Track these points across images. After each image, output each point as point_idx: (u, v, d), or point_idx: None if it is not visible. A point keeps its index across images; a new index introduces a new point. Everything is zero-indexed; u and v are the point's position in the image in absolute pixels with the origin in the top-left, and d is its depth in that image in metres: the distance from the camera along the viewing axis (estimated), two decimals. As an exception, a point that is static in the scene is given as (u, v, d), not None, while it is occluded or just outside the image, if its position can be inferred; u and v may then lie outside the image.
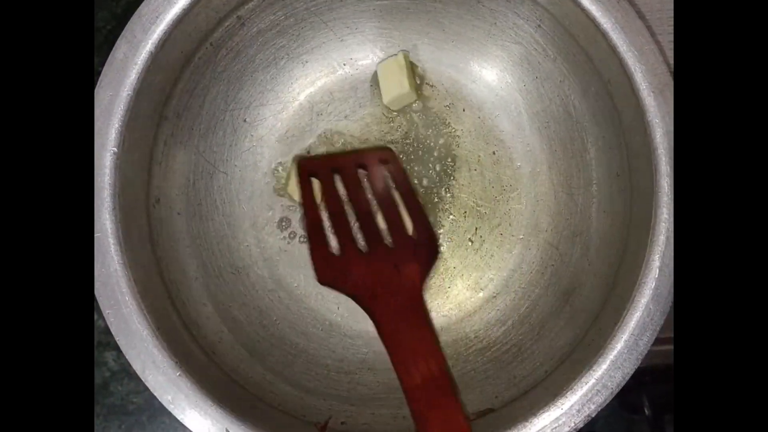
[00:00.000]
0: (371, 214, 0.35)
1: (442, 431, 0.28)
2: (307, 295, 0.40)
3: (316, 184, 0.37)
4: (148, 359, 0.31)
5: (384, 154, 0.38)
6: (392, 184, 0.37)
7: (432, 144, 0.41)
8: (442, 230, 0.40)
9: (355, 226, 0.35)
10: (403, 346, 0.29)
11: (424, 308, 0.31)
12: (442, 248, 0.40)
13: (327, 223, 0.35)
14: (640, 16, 0.33)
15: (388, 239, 0.34)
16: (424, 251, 0.34)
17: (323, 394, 0.37)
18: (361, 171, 0.37)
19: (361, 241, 0.34)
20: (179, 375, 0.31)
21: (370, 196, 0.36)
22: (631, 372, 0.31)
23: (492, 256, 0.40)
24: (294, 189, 0.39)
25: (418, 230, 0.35)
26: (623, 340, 0.31)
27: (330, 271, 0.33)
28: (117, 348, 0.42)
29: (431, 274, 0.33)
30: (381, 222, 0.35)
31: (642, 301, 0.31)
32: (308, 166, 0.38)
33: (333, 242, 0.34)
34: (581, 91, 0.37)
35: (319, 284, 0.35)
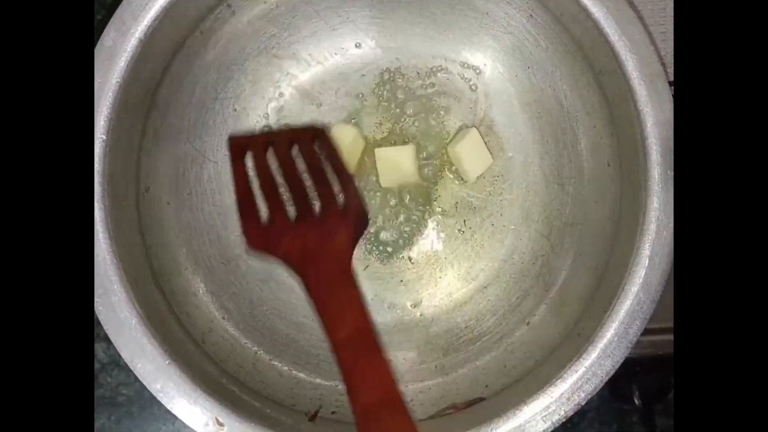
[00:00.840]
0: (302, 184, 0.36)
1: (369, 384, 0.29)
2: (297, 285, 0.40)
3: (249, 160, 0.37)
4: (137, 348, 0.31)
5: (316, 132, 0.39)
6: (323, 157, 0.37)
7: (423, 134, 0.41)
8: (433, 221, 0.40)
9: (285, 195, 0.35)
10: (332, 307, 0.31)
11: (352, 274, 0.32)
12: (439, 244, 0.40)
13: (258, 193, 0.35)
14: (632, 6, 0.33)
15: (317, 208, 0.35)
16: (353, 219, 0.35)
17: (313, 384, 0.37)
18: (294, 148, 0.38)
19: (291, 211, 0.35)
20: (168, 363, 0.31)
21: (301, 167, 0.37)
22: (621, 360, 0.31)
23: (483, 246, 0.40)
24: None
25: (348, 199, 0.35)
26: (613, 328, 0.31)
27: (261, 237, 0.34)
28: (106, 339, 0.42)
29: (360, 242, 0.35)
30: (311, 191, 0.36)
31: (632, 289, 0.31)
32: (241, 142, 0.38)
33: (263, 211, 0.35)
34: (573, 80, 0.37)
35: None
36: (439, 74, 0.41)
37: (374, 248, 0.40)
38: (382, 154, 0.39)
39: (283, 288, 0.40)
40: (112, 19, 0.32)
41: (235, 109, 0.40)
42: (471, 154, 0.39)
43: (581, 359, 0.31)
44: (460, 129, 0.40)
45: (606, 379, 0.31)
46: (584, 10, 0.33)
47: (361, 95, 0.41)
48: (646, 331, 0.32)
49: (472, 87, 0.40)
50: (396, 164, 0.39)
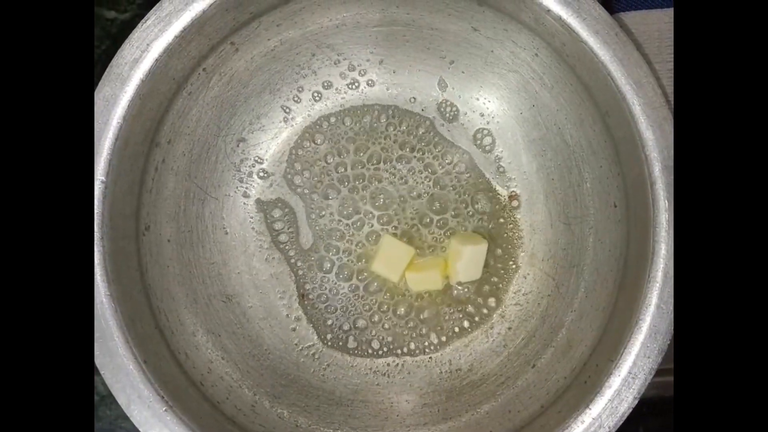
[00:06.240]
0: None
1: None
2: (298, 324, 0.39)
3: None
4: (133, 393, 0.31)
5: None
6: None
7: (426, 173, 0.40)
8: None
9: None
10: None
11: None
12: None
13: None
14: (638, 45, 0.33)
15: None
16: None
17: (314, 428, 0.36)
18: None
19: None
20: (165, 410, 0.31)
21: None
22: (629, 411, 0.31)
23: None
24: (380, 267, 0.39)
25: None
26: (620, 377, 0.30)
27: None
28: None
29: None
30: None
31: (639, 338, 0.30)
32: None
33: None
34: (578, 120, 0.36)
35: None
36: (442, 111, 0.40)
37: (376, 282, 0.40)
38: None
39: (283, 326, 0.39)
40: (114, 59, 0.32)
41: (238, 145, 0.39)
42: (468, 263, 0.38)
43: (588, 410, 0.30)
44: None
45: (613, 430, 0.30)
46: (590, 51, 0.32)
47: (364, 132, 0.40)
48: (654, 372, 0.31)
49: (476, 124, 0.40)
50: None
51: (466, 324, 0.39)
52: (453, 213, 0.40)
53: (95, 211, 0.31)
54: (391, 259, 0.39)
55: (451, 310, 0.39)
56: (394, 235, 0.40)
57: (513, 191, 0.40)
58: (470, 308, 0.39)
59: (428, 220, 0.40)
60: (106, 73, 0.32)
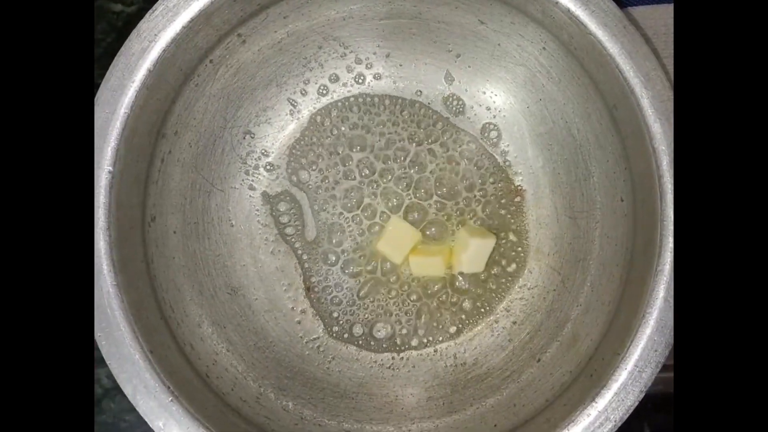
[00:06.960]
0: None
1: None
2: (303, 317, 0.39)
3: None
4: (139, 383, 0.31)
5: None
6: None
7: (434, 164, 0.40)
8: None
9: None
10: None
11: None
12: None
13: None
14: (646, 39, 0.33)
15: None
16: None
17: (319, 420, 0.36)
18: None
19: None
20: (171, 400, 0.31)
21: None
22: (635, 404, 0.31)
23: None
24: (385, 247, 0.39)
25: None
26: (626, 371, 0.30)
27: None
28: (110, 365, 0.42)
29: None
30: None
31: (646, 332, 0.30)
32: None
33: None
34: (585, 114, 0.36)
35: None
36: (449, 105, 0.40)
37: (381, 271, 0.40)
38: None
39: (288, 318, 0.39)
40: (121, 50, 0.32)
41: (244, 137, 0.39)
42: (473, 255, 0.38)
43: (594, 403, 0.30)
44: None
45: (619, 424, 0.30)
46: (598, 44, 0.32)
47: (371, 125, 0.40)
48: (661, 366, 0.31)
49: (483, 118, 0.40)
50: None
51: (471, 318, 0.39)
52: (460, 204, 0.40)
53: (102, 201, 0.31)
54: (396, 240, 0.39)
55: (457, 304, 0.39)
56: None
57: (519, 185, 0.40)
58: (476, 302, 0.39)
59: (435, 210, 0.40)
60: (113, 63, 0.32)
